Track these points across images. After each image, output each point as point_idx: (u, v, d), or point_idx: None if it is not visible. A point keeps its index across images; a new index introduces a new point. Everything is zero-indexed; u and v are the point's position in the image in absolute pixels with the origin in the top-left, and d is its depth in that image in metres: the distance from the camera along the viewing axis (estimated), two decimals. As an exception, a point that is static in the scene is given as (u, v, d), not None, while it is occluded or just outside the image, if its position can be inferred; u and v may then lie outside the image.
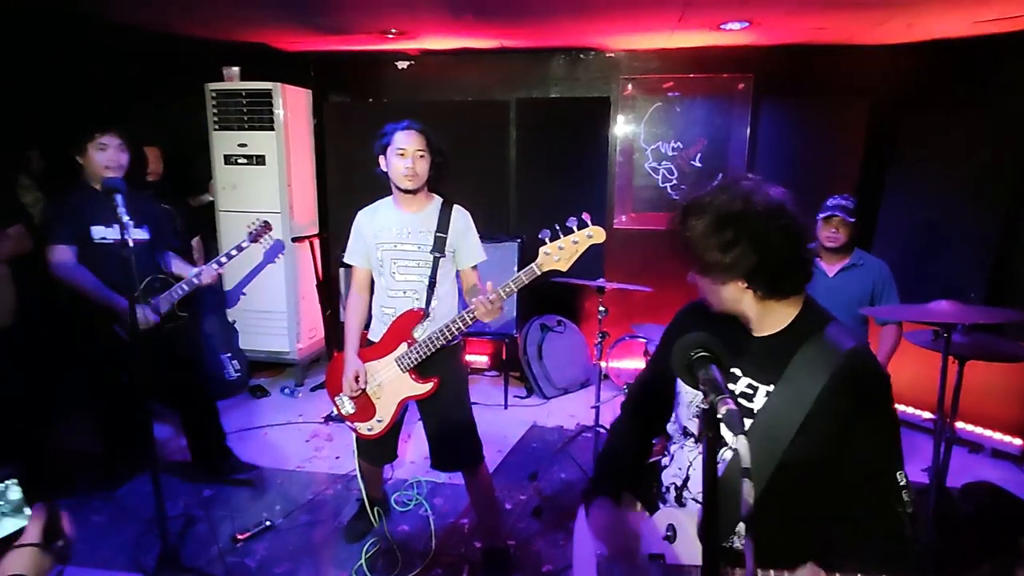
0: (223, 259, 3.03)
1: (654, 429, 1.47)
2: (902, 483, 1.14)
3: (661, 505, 1.37)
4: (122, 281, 2.61)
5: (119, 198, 2.18)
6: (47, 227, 2.68)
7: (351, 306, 2.44)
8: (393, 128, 2.26)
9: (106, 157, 2.67)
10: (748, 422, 1.19)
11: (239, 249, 3.12)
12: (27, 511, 0.91)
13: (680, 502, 1.33)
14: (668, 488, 1.36)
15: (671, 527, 1.27)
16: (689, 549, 1.21)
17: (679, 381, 1.32)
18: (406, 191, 2.26)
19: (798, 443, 1.14)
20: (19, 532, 0.90)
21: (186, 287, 2.86)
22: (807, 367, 1.16)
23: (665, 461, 1.40)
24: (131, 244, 2.17)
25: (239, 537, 2.65)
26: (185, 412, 3.04)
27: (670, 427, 1.42)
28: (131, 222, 2.65)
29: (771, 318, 1.22)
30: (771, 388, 1.20)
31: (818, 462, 1.15)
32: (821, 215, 2.84)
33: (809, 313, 1.22)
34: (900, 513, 1.13)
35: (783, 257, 1.15)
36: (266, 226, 3.28)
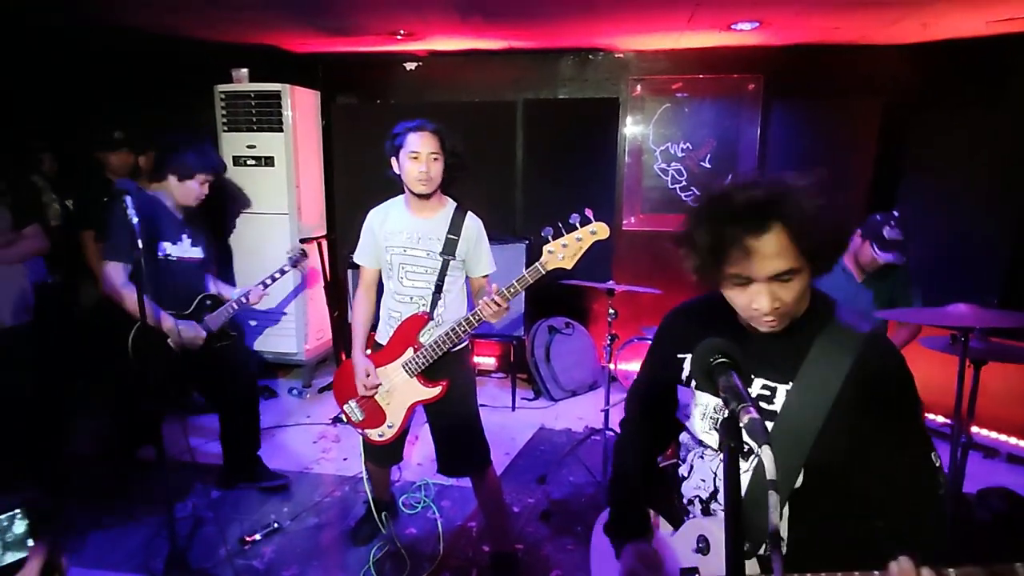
0: (268, 281, 3.11)
1: (660, 429, 1.42)
2: (937, 464, 1.12)
3: (686, 518, 1.31)
4: (180, 296, 2.78)
5: (128, 200, 2.20)
6: (109, 241, 2.68)
7: (358, 305, 2.41)
8: (406, 128, 2.17)
9: (200, 191, 2.80)
10: (770, 425, 1.15)
11: (281, 272, 3.20)
12: (30, 543, 0.90)
13: (708, 513, 1.27)
14: (692, 501, 1.30)
15: (702, 538, 1.21)
16: (724, 560, 1.17)
17: (693, 390, 1.27)
18: (419, 195, 2.21)
19: (825, 437, 1.10)
20: (18, 564, 0.88)
21: (236, 306, 2.93)
22: (826, 357, 1.12)
23: (683, 471, 1.34)
24: (140, 247, 2.18)
25: (247, 539, 2.65)
26: (230, 422, 3.03)
27: (683, 437, 1.36)
28: (190, 240, 2.84)
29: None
30: (789, 387, 1.15)
31: (848, 455, 1.11)
32: (878, 242, 2.57)
33: (819, 302, 1.18)
34: (940, 496, 1.12)
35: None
36: (304, 253, 3.41)
